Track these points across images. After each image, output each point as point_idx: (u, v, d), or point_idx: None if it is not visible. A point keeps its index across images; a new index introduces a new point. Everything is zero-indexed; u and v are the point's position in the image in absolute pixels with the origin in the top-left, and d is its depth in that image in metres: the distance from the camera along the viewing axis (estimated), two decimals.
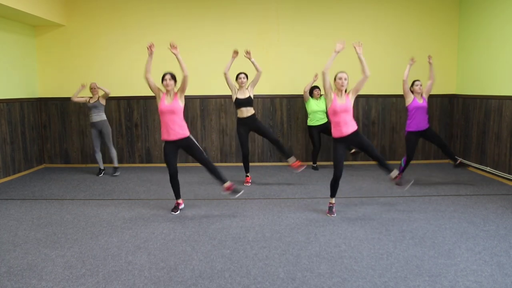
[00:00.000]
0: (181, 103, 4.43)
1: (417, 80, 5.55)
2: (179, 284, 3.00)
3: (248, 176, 5.89)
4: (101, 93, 6.51)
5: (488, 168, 6.22)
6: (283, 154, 5.82)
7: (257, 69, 5.51)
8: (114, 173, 6.54)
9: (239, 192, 4.60)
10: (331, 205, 4.50)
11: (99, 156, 6.53)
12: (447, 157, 5.74)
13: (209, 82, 7.19)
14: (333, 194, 4.49)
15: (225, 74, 5.49)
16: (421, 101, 5.50)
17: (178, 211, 4.61)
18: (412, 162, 7.25)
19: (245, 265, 3.29)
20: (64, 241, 3.82)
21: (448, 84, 7.19)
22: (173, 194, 4.74)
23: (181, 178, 6.36)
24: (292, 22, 7.11)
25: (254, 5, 7.09)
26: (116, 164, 6.57)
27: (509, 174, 5.76)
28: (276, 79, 7.18)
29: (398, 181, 4.50)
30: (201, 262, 3.34)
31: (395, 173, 4.51)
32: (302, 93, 7.04)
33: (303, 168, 5.75)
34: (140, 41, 7.18)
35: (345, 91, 4.36)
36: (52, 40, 7.21)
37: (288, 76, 7.19)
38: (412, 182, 4.28)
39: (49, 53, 7.24)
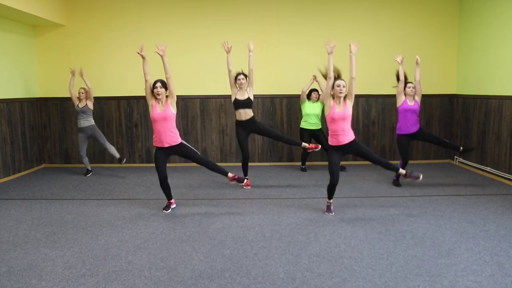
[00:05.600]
0: (173, 110, 4.46)
1: (409, 82, 5.49)
2: (179, 284, 3.00)
3: (247, 179, 5.72)
4: (89, 101, 6.43)
5: (488, 168, 6.22)
6: (295, 144, 5.66)
7: (249, 65, 5.40)
8: (122, 161, 6.47)
9: (242, 181, 4.67)
10: (328, 204, 4.56)
11: (85, 160, 6.52)
12: (450, 149, 5.73)
13: (209, 82, 7.19)
14: (330, 197, 4.54)
15: (229, 71, 5.40)
16: (412, 103, 5.47)
17: (170, 210, 4.67)
18: (412, 162, 7.28)
19: (245, 265, 3.29)
20: (64, 241, 3.82)
21: (448, 84, 7.19)
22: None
23: (180, 178, 6.36)
24: (292, 22, 7.11)
25: (254, 5, 7.09)
26: (118, 155, 6.48)
27: (509, 174, 5.76)
28: (276, 79, 7.18)
29: (411, 175, 4.46)
30: (201, 262, 3.34)
31: (402, 171, 4.53)
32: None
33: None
34: (140, 41, 7.12)
35: (343, 98, 4.30)
36: (52, 40, 7.21)
37: (288, 76, 7.18)
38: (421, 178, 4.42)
39: (49, 53, 7.24)
